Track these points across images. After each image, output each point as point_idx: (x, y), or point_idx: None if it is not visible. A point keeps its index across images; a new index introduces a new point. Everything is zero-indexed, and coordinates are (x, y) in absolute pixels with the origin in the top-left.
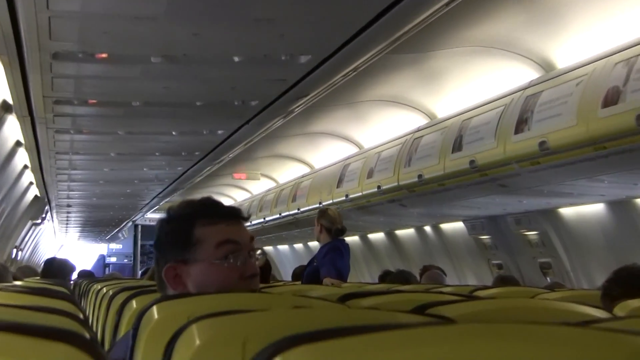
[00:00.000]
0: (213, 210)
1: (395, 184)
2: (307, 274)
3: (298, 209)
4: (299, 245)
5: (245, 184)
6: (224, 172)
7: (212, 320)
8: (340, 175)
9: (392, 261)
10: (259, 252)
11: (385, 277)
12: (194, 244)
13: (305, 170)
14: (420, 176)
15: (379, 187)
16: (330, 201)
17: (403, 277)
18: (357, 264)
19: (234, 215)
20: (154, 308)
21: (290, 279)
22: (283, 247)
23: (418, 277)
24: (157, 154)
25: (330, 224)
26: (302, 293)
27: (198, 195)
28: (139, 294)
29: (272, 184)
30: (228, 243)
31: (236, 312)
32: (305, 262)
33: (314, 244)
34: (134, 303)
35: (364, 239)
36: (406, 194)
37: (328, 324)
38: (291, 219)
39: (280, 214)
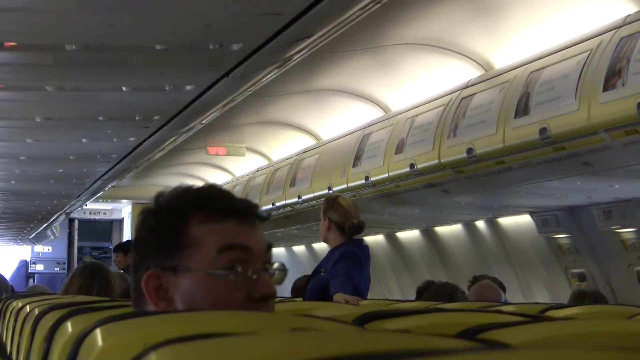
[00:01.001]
0: (217, 203)
1: (436, 161)
2: (311, 289)
3: (298, 197)
4: (299, 249)
5: (224, 161)
6: (195, 145)
7: (178, 348)
8: (357, 149)
9: (431, 270)
10: (276, 265)
11: (422, 291)
12: (187, 247)
13: (309, 142)
14: (470, 151)
15: (412, 165)
16: (344, 186)
17: (445, 291)
18: (382, 273)
19: (247, 211)
20: (98, 332)
21: (288, 294)
22: (277, 251)
23: (466, 292)
24: (100, 118)
25: (343, 219)
26: (304, 312)
27: (157, 177)
28: (76, 313)
29: (261, 162)
30: (235, 249)
31: (213, 337)
32: (308, 272)
33: (321, 247)
34: (69, 326)
35: (391, 239)
36: (451, 175)
37: (339, 351)
38: (289, 211)
39: (273, 204)
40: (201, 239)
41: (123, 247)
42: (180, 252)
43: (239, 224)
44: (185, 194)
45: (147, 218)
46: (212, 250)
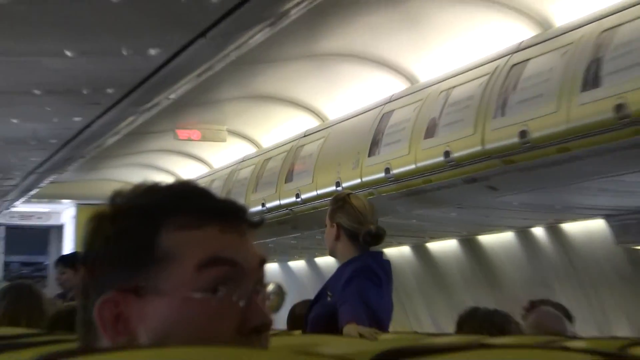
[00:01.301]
0: (196, 204)
1: (478, 147)
2: (314, 317)
3: (297, 196)
4: (297, 264)
5: (198, 148)
6: (160, 126)
7: None
8: (374, 132)
9: (473, 292)
10: (271, 287)
11: (463, 321)
12: (156, 262)
13: (311, 123)
14: (523, 134)
15: (447, 154)
16: (357, 181)
17: (493, 322)
18: (407, 297)
19: (235, 215)
20: None
21: (284, 324)
22: (269, 268)
23: (521, 322)
24: (36, 92)
25: (356, 224)
26: (306, 349)
27: (110, 170)
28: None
29: (248, 150)
30: (219, 264)
31: None
32: (309, 295)
33: (327, 262)
34: None
35: (419, 251)
36: (498, 166)
37: None
38: (284, 214)
39: (263, 206)
40: (175, 252)
41: (71, 260)
42: (147, 269)
43: (223, 231)
44: (153, 193)
45: (101, 225)
46: (190, 266)
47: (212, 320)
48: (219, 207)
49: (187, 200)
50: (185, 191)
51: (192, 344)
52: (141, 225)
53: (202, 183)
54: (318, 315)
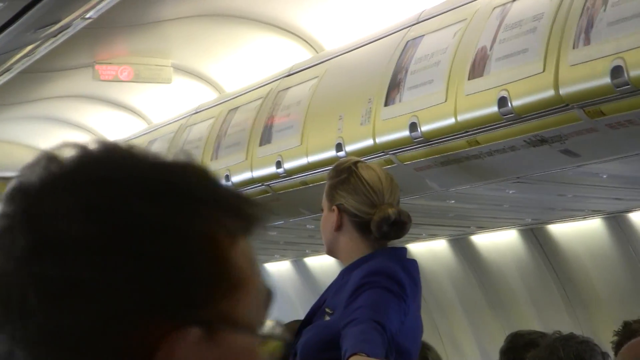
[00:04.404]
0: (245, 203)
1: (550, 92)
2: (306, 344)
3: (278, 165)
4: (280, 267)
5: (129, 93)
6: (72, 61)
7: None
8: (395, 67)
9: (540, 307)
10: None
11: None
12: (232, 283)
13: (299, 55)
14: (617, 72)
15: (502, 101)
16: (368, 141)
17: (571, 352)
18: (442, 313)
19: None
20: None
21: None
22: None
23: (611, 355)
24: None
25: (367, 207)
26: None
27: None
28: None
29: (204, 95)
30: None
31: None
32: (297, 311)
33: (323, 263)
34: None
35: (461, 246)
36: (580, 121)
37: None
38: (259, 191)
39: (227, 179)
40: (247, 274)
41: None
42: (220, 293)
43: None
44: (186, 174)
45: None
46: (258, 295)
47: None
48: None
49: (230, 195)
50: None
51: None
52: (193, 227)
53: (136, 144)
54: (311, 341)
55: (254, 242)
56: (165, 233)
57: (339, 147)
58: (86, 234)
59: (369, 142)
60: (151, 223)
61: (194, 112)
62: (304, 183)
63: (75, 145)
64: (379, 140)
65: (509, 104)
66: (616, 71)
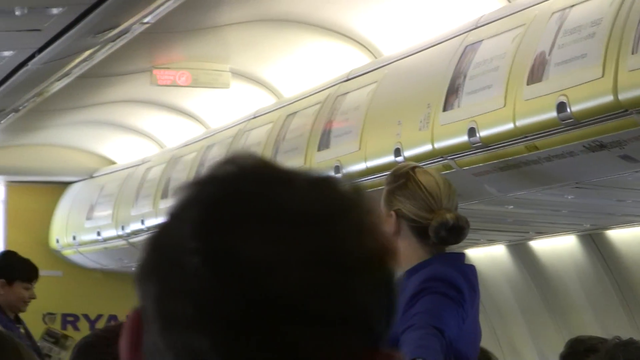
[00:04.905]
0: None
1: (609, 97)
2: None
3: (336, 170)
4: None
5: (187, 98)
6: (130, 66)
7: None
8: (454, 72)
9: (601, 313)
10: None
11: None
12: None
13: (357, 60)
14: None
15: (561, 106)
16: (426, 147)
17: (631, 359)
18: (500, 319)
19: None
20: None
21: None
22: None
23: None
24: None
25: (425, 212)
26: None
27: (59, 130)
28: None
29: (262, 99)
30: None
31: None
32: None
33: None
34: None
35: (519, 251)
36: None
37: None
38: None
39: None
40: None
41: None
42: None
43: None
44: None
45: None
46: None
47: None
48: None
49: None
50: None
51: None
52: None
53: (192, 150)
54: None
55: None
56: (372, 261)
57: (397, 152)
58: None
59: (427, 147)
60: (366, 255)
61: (252, 117)
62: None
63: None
64: (437, 145)
65: (568, 109)
66: None
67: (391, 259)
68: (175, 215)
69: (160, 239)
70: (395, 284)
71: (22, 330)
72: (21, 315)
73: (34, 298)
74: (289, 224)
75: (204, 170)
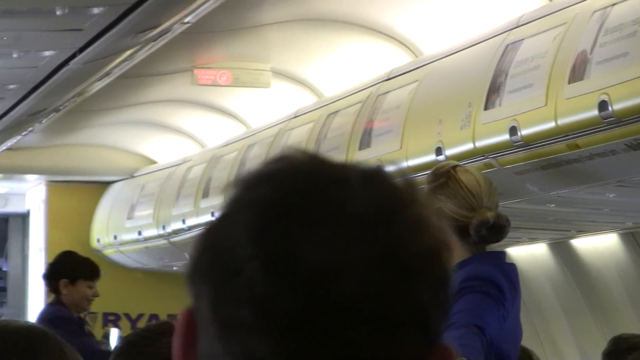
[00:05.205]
0: None
1: None
2: None
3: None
4: None
5: (228, 97)
6: (171, 65)
7: None
8: (494, 71)
9: None
10: None
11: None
12: None
13: (398, 59)
14: None
15: (602, 105)
16: (467, 145)
17: None
18: (541, 317)
19: None
20: None
21: None
22: None
23: None
24: None
25: (466, 210)
26: None
27: (100, 130)
28: None
29: (303, 99)
30: None
31: None
32: None
33: None
34: None
35: (561, 250)
36: None
37: None
38: None
39: None
40: None
41: (68, 267)
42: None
43: None
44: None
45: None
46: None
47: None
48: None
49: None
50: None
51: None
52: None
53: (233, 149)
54: None
55: None
56: (431, 259)
57: (438, 151)
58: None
59: (468, 146)
60: (425, 252)
61: (293, 116)
62: None
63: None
64: (478, 144)
65: (610, 108)
66: None
67: (448, 254)
68: (229, 217)
69: (213, 240)
70: (451, 278)
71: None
72: None
73: (97, 296)
74: (348, 225)
75: (246, 169)
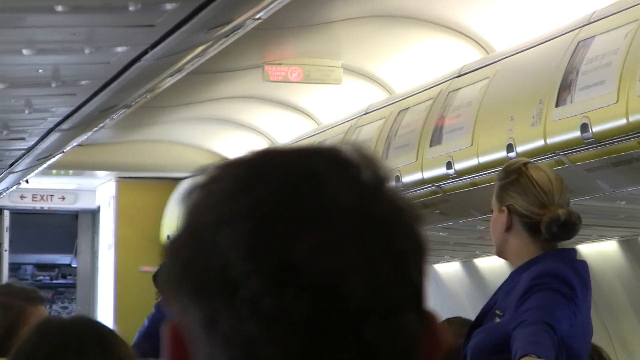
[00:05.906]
0: None
1: None
2: (476, 346)
3: (448, 166)
4: (449, 268)
5: (298, 94)
6: (242, 62)
7: None
8: (566, 68)
9: None
10: None
11: None
12: None
13: (470, 56)
14: None
15: None
16: (539, 142)
17: None
18: (611, 315)
19: None
20: None
21: None
22: None
23: None
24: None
25: (537, 208)
26: None
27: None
28: None
29: (374, 96)
30: None
31: None
32: (467, 312)
33: (493, 265)
34: None
35: (631, 248)
36: None
37: None
38: (429, 193)
39: (397, 180)
40: None
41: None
42: None
43: None
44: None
45: None
46: None
47: None
48: None
49: None
50: None
51: None
52: None
53: (306, 143)
54: (481, 343)
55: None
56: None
57: (509, 148)
58: None
59: (539, 143)
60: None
61: (364, 112)
62: (474, 184)
63: None
64: (549, 141)
65: None
66: None
67: (420, 220)
68: (206, 229)
69: (196, 256)
70: (426, 246)
71: None
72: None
73: None
74: (338, 223)
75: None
